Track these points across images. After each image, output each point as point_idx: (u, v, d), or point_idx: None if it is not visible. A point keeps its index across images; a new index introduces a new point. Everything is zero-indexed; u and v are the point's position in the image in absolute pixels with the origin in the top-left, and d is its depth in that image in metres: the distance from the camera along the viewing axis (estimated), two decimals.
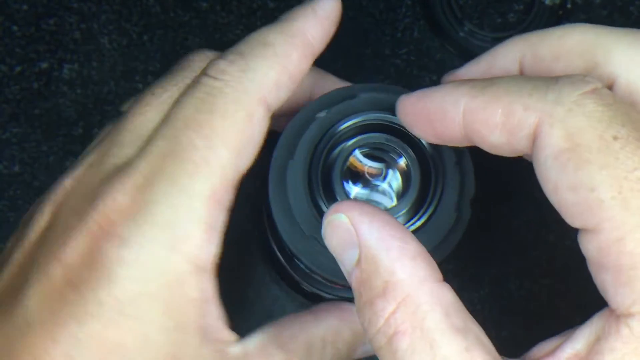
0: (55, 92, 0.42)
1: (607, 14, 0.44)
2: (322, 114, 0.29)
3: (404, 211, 0.28)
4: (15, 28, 0.42)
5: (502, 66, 0.30)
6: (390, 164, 0.30)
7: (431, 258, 0.24)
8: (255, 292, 0.39)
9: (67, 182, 0.29)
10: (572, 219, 0.23)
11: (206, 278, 0.27)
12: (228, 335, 0.28)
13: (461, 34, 0.43)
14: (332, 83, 0.34)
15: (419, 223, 0.28)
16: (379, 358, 0.24)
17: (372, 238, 0.24)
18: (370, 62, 0.44)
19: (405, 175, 0.29)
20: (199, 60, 0.30)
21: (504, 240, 0.42)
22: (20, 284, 0.27)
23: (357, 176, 0.30)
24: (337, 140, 0.29)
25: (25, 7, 0.43)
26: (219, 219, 0.27)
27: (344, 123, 0.29)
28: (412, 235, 0.25)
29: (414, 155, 0.29)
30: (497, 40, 0.32)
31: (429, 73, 0.43)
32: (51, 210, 0.28)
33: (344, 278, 0.26)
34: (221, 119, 0.27)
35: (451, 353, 0.22)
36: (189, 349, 0.27)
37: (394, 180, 0.30)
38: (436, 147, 0.29)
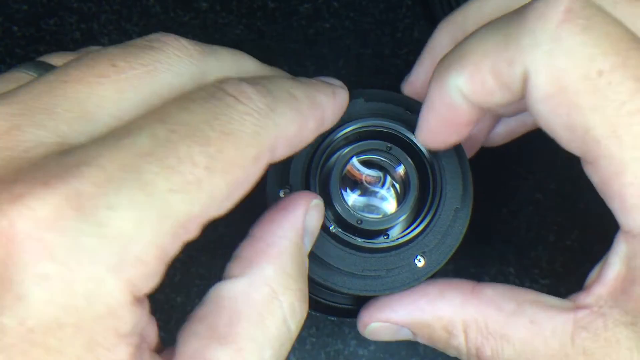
0: None
1: None
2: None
3: (404, 216, 0.28)
4: (15, 28, 0.42)
5: (443, 54, 0.29)
6: (388, 170, 0.30)
7: (450, 279, 0.28)
8: None
9: None
10: (571, 150, 0.24)
11: (142, 310, 0.22)
12: None
13: None
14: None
15: (421, 227, 0.28)
16: None
17: (416, 319, 0.27)
18: (370, 62, 0.44)
19: (404, 181, 0.29)
20: (173, 47, 0.25)
21: (504, 240, 0.42)
22: None
23: (355, 183, 0.30)
24: (334, 148, 0.29)
25: (25, 7, 0.42)
26: (175, 251, 0.22)
27: (341, 130, 0.29)
28: (425, 284, 0.28)
29: (412, 161, 0.29)
30: None
31: None
32: None
33: (335, 284, 0.28)
34: (233, 148, 0.22)
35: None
36: None
37: (393, 186, 0.30)
38: (434, 151, 0.29)
